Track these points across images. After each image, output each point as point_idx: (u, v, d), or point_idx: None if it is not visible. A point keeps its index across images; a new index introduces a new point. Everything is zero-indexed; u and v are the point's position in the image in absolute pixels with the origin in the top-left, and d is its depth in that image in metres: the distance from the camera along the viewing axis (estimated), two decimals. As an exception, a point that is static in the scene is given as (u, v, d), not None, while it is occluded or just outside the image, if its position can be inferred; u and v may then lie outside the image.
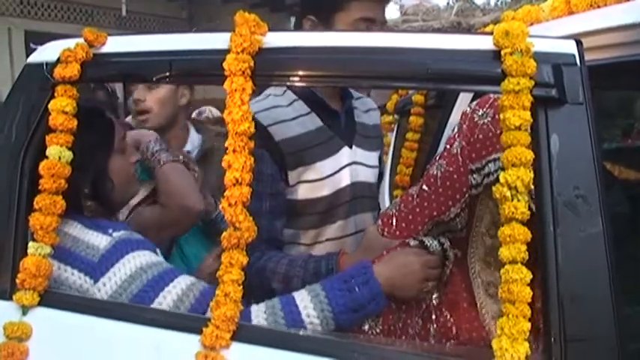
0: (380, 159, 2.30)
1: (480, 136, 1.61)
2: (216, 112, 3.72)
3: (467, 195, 1.62)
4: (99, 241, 1.62)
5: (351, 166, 2.10)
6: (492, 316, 1.64)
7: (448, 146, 1.69)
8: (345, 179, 2.07)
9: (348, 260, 1.81)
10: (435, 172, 1.67)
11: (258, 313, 1.53)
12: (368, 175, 2.18)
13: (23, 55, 9.14)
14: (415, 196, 1.71)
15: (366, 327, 1.67)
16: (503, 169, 1.33)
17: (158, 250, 1.70)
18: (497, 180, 1.34)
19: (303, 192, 2.00)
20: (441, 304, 1.68)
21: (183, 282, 1.59)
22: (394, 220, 1.72)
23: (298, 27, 2.07)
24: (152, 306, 1.54)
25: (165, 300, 1.55)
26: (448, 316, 1.67)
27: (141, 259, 1.60)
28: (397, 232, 1.71)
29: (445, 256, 1.68)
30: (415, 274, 1.64)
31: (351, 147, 2.11)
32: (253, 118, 1.50)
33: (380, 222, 1.76)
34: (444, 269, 1.68)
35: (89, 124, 1.68)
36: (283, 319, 1.52)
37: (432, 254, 1.66)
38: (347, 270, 1.64)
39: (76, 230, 1.66)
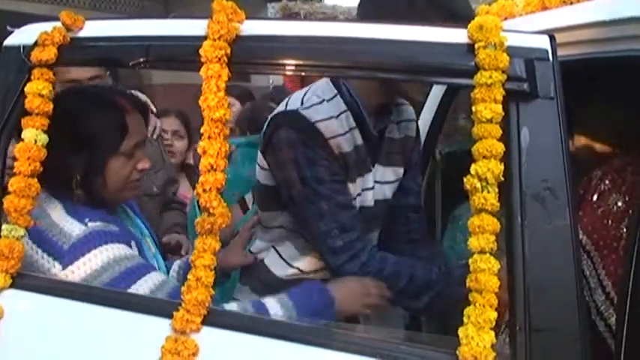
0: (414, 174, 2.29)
1: None
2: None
3: None
4: (72, 229, 1.62)
5: (375, 187, 2.09)
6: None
7: None
8: (368, 200, 2.08)
9: None
10: None
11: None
12: (386, 193, 2.16)
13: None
14: None
15: None
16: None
17: (134, 243, 1.70)
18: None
19: None
20: None
21: (155, 278, 1.61)
22: None
23: None
24: None
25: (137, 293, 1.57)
26: None
27: (114, 252, 1.61)
28: None
29: None
30: (355, 298, 1.83)
31: (374, 166, 2.09)
32: (313, 126, 1.71)
33: None
34: None
35: (105, 116, 1.72)
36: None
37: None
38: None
39: (56, 212, 1.66)
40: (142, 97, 3.51)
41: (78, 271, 1.58)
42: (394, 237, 2.27)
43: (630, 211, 1.62)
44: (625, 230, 1.62)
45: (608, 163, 1.73)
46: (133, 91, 2.94)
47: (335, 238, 1.88)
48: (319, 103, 1.94)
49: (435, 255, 2.31)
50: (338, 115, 1.94)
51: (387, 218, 2.20)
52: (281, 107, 2.01)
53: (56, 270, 1.59)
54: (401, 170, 2.18)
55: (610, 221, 1.65)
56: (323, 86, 2.00)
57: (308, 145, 1.87)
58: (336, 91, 1.97)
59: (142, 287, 1.59)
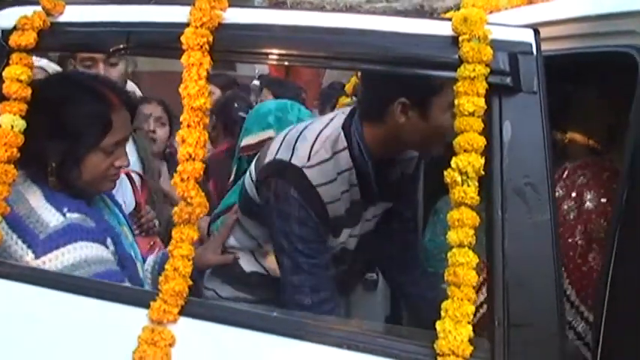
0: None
1: None
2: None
3: None
4: (50, 218, 1.60)
5: (361, 226, 2.08)
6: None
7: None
8: (351, 245, 2.08)
9: None
10: None
11: None
12: (371, 226, 2.14)
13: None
14: None
15: None
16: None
17: (109, 241, 1.68)
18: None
19: None
20: None
21: None
22: None
23: (384, 108, 1.86)
24: None
25: None
26: None
27: (88, 251, 1.59)
28: None
29: None
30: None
31: (366, 210, 2.07)
32: (315, 191, 1.77)
33: None
34: None
35: (90, 110, 1.68)
36: None
37: None
38: None
39: (35, 198, 1.64)
40: (132, 87, 3.48)
41: (50, 263, 1.55)
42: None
43: (583, 217, 1.64)
44: (579, 236, 1.64)
45: (559, 169, 1.74)
46: (126, 81, 2.92)
47: (304, 295, 1.89)
48: (326, 161, 1.89)
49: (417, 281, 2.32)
50: (341, 173, 1.91)
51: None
52: (287, 148, 1.92)
53: (29, 258, 1.56)
54: (389, 204, 2.16)
55: (565, 230, 1.66)
56: (335, 136, 1.92)
57: (304, 207, 1.87)
58: (346, 144, 1.91)
59: None
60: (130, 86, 3.37)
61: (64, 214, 1.61)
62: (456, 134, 1.35)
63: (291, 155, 1.89)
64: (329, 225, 1.93)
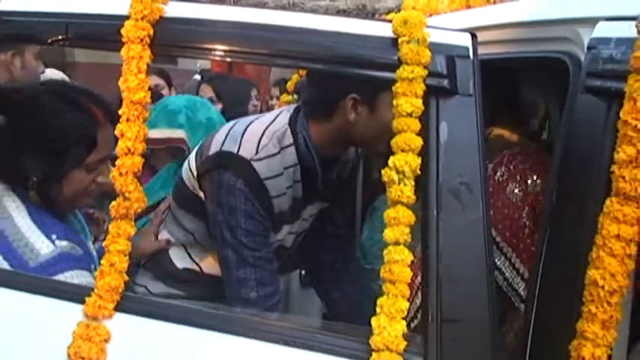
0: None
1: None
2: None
3: None
4: (40, 245, 1.54)
5: (297, 225, 2.09)
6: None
7: None
8: (288, 242, 2.09)
9: None
10: None
11: None
12: (306, 226, 2.15)
13: None
14: None
15: None
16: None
17: (93, 266, 1.64)
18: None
19: None
20: None
21: None
22: None
23: (332, 106, 1.88)
24: None
25: None
26: None
27: (78, 280, 1.55)
28: None
29: None
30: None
31: (305, 208, 2.08)
32: (262, 183, 1.77)
33: None
34: None
35: (77, 127, 1.63)
36: None
37: None
38: None
39: (19, 215, 1.58)
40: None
41: None
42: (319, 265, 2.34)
43: (529, 198, 1.69)
44: (526, 217, 1.69)
45: (498, 156, 1.78)
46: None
47: (250, 288, 1.89)
48: (274, 155, 1.90)
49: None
50: (287, 168, 1.92)
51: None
52: (233, 140, 1.91)
53: None
54: (326, 204, 2.17)
55: (511, 211, 1.70)
56: (281, 132, 1.93)
57: (249, 200, 1.86)
58: (292, 140, 1.93)
59: None
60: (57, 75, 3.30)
61: (53, 242, 1.55)
62: (393, 134, 1.38)
63: (239, 148, 1.88)
64: (272, 220, 1.93)
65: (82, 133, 1.64)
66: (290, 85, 3.00)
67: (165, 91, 4.03)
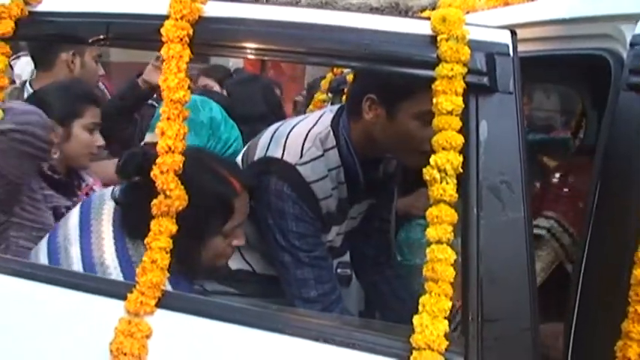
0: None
1: None
2: None
3: None
4: None
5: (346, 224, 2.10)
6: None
7: None
8: (337, 243, 2.10)
9: None
10: None
11: None
12: (354, 225, 2.17)
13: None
14: None
15: None
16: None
17: None
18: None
19: None
20: None
21: None
22: None
23: (358, 102, 1.88)
24: None
25: None
26: None
27: None
28: None
29: None
30: None
31: (352, 207, 2.09)
32: (308, 187, 1.78)
33: None
34: None
35: (217, 197, 1.67)
36: None
37: None
38: None
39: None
40: None
41: None
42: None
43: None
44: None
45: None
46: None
47: (310, 288, 1.90)
48: (318, 158, 1.90)
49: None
50: (331, 170, 1.93)
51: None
52: (277, 144, 1.93)
53: None
54: (373, 201, 2.18)
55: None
56: (324, 134, 1.94)
57: (298, 204, 1.87)
58: (335, 142, 1.93)
59: None
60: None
61: None
62: (434, 132, 1.37)
63: (283, 152, 1.89)
64: (322, 222, 1.95)
65: (222, 204, 1.67)
66: (324, 84, 3.00)
67: (216, 89, 4.01)
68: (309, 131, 1.93)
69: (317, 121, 1.98)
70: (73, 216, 1.69)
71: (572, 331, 1.39)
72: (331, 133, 1.93)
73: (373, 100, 1.84)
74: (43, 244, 1.67)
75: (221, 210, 1.67)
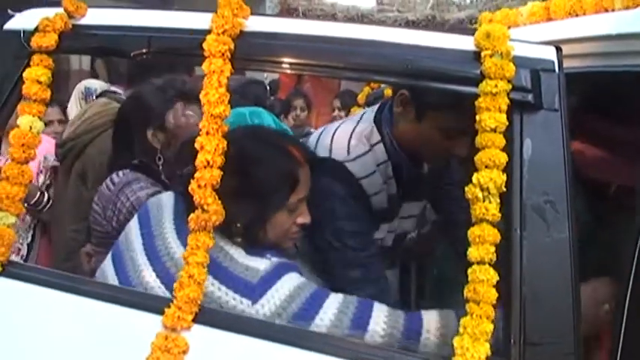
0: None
1: None
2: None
3: None
4: (258, 265, 1.55)
5: (396, 224, 2.10)
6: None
7: None
8: (388, 242, 2.10)
9: None
10: None
11: (379, 314, 1.53)
12: (406, 227, 2.18)
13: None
14: None
15: None
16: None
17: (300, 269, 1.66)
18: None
19: None
20: None
21: (336, 299, 1.56)
22: None
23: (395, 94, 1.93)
24: (313, 323, 1.50)
25: (327, 315, 1.52)
26: None
27: (297, 280, 1.56)
28: None
29: None
30: None
31: (400, 206, 2.08)
32: (358, 184, 1.76)
33: None
34: None
35: (280, 168, 1.66)
36: (401, 332, 1.52)
37: None
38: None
39: (235, 251, 1.59)
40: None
41: (268, 304, 1.51)
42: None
43: None
44: None
45: None
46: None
47: (366, 286, 1.87)
48: (365, 154, 1.92)
49: None
50: (379, 165, 1.93)
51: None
52: (324, 147, 1.95)
53: (244, 306, 1.51)
54: (425, 203, 2.18)
55: None
56: (368, 131, 1.95)
57: (350, 202, 1.88)
58: (379, 138, 1.94)
59: (332, 307, 1.53)
60: None
61: (269, 259, 1.57)
62: (477, 150, 1.35)
63: (330, 152, 1.91)
64: (372, 219, 1.94)
65: (286, 174, 1.66)
66: (361, 98, 2.99)
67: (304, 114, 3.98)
68: (353, 130, 1.95)
69: (359, 120, 2.00)
70: (133, 227, 1.69)
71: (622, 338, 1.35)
72: (375, 129, 1.95)
73: (406, 97, 1.86)
74: (108, 261, 1.68)
75: (286, 181, 1.66)
